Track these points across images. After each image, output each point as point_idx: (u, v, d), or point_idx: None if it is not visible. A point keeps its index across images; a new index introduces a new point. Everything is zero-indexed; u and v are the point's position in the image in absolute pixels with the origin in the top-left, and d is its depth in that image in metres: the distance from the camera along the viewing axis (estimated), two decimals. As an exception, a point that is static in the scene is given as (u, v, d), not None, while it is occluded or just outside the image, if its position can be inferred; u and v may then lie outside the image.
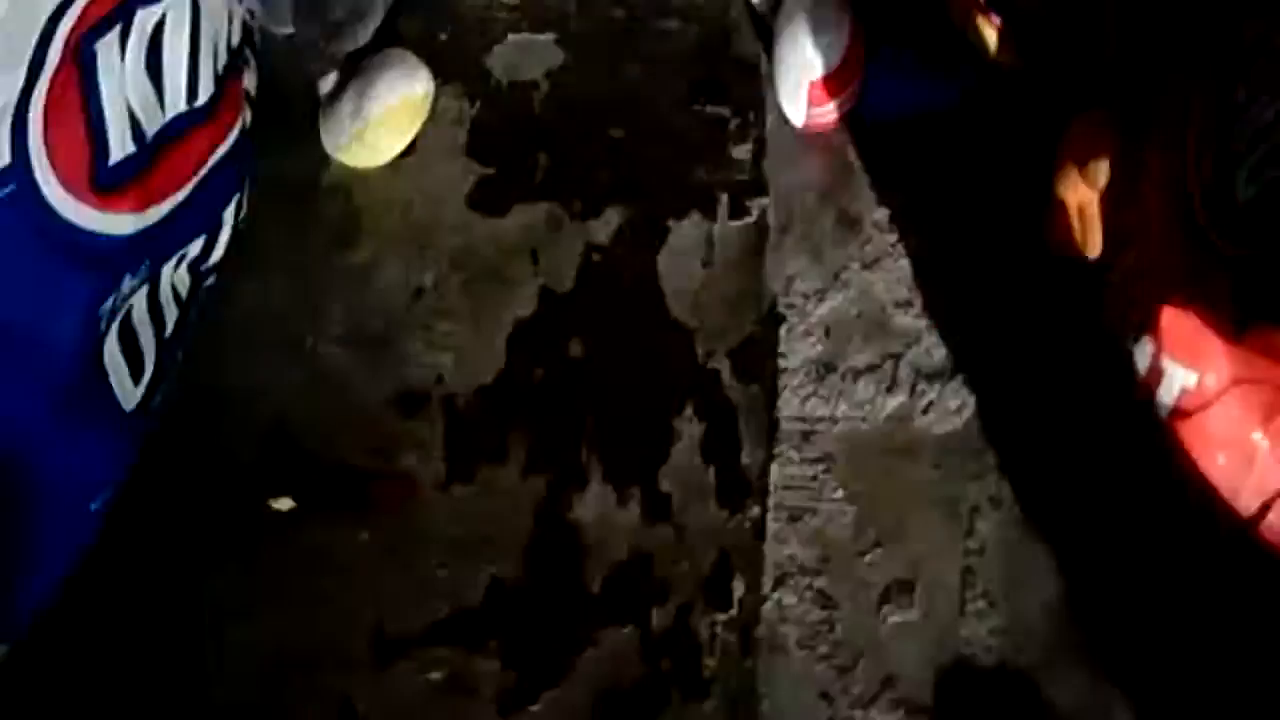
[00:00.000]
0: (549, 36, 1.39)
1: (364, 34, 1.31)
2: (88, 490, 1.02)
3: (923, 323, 1.23)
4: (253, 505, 1.17)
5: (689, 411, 1.21)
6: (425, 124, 1.33)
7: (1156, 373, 1.05)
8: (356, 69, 1.31)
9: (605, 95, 1.36)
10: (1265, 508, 1.01)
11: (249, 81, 1.23)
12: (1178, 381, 1.01)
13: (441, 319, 1.26)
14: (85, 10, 0.91)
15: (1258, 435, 1.00)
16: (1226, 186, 0.98)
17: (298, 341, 1.25)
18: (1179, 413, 1.02)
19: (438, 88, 1.34)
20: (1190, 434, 1.02)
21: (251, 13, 1.24)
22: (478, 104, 1.36)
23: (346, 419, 1.21)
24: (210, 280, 1.19)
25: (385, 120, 1.29)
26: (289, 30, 1.29)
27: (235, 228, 1.20)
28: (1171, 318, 1.03)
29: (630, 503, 1.18)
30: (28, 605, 0.99)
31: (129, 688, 1.11)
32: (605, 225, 1.30)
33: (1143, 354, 1.05)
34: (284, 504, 1.15)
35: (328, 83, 1.31)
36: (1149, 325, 1.04)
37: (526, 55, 1.38)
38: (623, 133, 1.34)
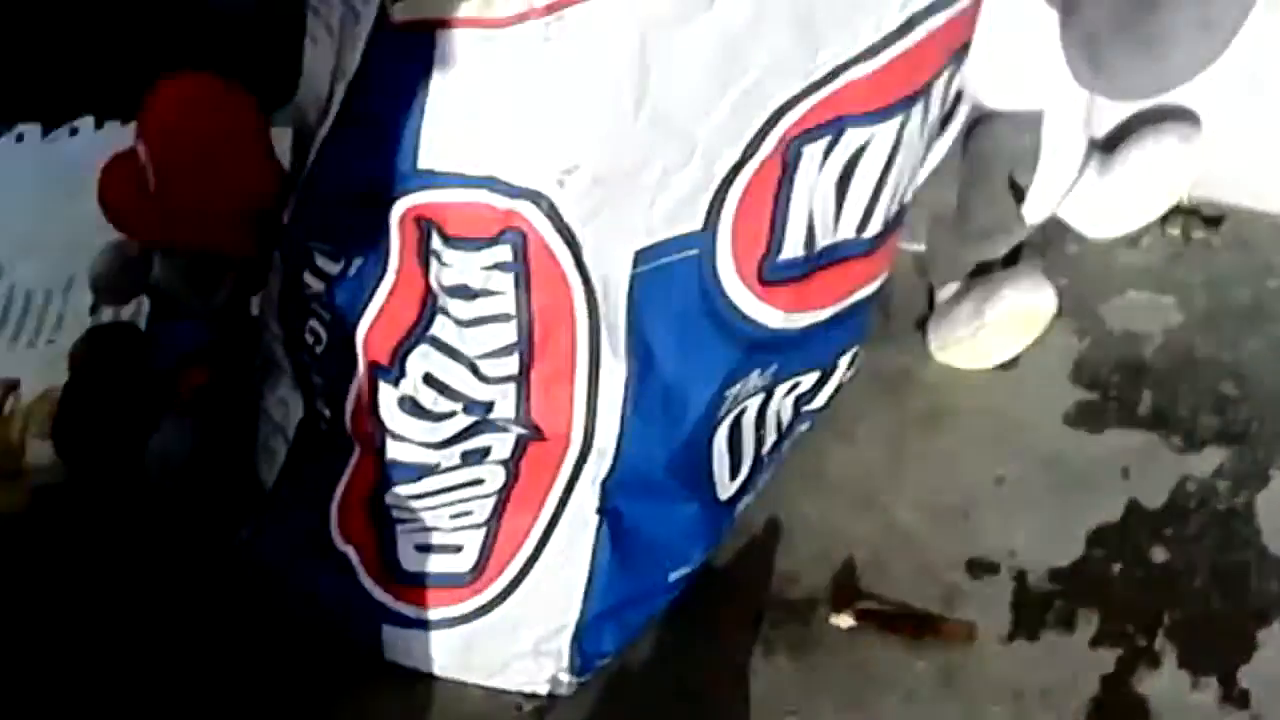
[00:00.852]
0: (1170, 299, 1.39)
1: (1002, 246, 1.33)
2: (672, 557, 1.08)
3: None
4: (813, 617, 1.18)
5: (1276, 627, 1.13)
6: (1032, 346, 1.34)
7: None
8: (981, 278, 1.33)
9: (1222, 360, 1.34)
10: None
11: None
12: None
13: (1021, 506, 1.24)
14: (806, 115, 0.98)
15: None
16: None
17: (873, 500, 1.26)
18: None
19: (1051, 319, 1.36)
20: None
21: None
22: (1087, 339, 1.37)
23: (914, 571, 1.20)
24: (805, 426, 1.24)
25: (1001, 325, 1.30)
26: (918, 248, 1.35)
27: (839, 384, 1.24)
28: None
29: (1206, 690, 1.11)
30: (601, 648, 1.08)
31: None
32: (1204, 461, 1.26)
33: None
34: (844, 620, 1.16)
35: (948, 290, 1.34)
36: None
37: (1144, 311, 1.39)
38: (1236, 393, 1.32)
